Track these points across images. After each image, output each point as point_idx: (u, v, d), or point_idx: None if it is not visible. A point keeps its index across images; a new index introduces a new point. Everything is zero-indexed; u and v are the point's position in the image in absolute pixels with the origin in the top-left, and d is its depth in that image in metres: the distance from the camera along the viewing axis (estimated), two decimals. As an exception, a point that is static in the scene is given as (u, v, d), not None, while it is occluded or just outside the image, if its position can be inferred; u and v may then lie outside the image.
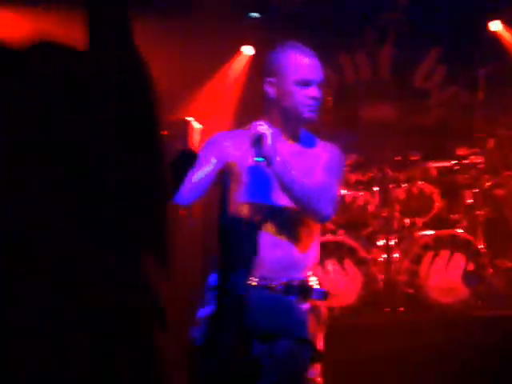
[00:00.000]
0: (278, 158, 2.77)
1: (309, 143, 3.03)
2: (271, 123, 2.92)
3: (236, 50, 6.76)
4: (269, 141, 2.74)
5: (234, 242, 2.92)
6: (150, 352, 1.37)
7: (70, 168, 1.39)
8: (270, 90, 2.94)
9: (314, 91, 2.87)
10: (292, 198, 2.81)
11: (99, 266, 1.41)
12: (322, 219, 2.93)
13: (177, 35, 6.10)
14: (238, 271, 2.94)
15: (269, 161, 2.75)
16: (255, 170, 2.90)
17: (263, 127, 2.78)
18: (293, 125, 2.95)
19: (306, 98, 2.87)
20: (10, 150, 1.41)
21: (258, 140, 2.74)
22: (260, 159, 2.73)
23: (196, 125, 5.65)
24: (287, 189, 2.79)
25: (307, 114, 2.88)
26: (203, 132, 5.96)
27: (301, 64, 2.89)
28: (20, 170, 1.42)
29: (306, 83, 2.88)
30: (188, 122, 5.60)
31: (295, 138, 3.01)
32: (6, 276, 1.37)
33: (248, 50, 6.75)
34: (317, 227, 3.04)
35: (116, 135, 1.35)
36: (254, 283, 2.93)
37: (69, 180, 1.42)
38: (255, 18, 6.61)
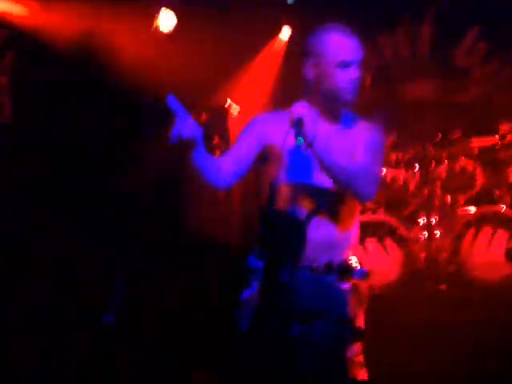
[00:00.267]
0: (318, 140, 2.75)
1: (349, 123, 3.02)
2: (311, 105, 2.89)
3: (274, 35, 6.76)
4: (309, 123, 2.73)
5: (276, 223, 2.94)
6: (150, 350, 1.41)
7: (70, 167, 1.43)
8: (310, 72, 2.93)
9: (354, 72, 2.85)
10: (333, 178, 2.82)
11: (99, 266, 1.46)
12: (364, 199, 2.93)
13: (215, 21, 6.12)
14: (281, 254, 2.97)
15: (309, 143, 2.73)
16: (296, 152, 2.90)
17: (303, 109, 2.76)
18: (333, 106, 2.93)
19: (346, 79, 2.85)
20: (9, 150, 1.46)
21: (298, 122, 2.72)
22: (300, 141, 2.72)
23: (234, 109, 5.69)
24: (328, 170, 2.79)
25: (347, 96, 2.86)
26: (242, 115, 6.00)
27: (341, 45, 2.86)
28: (20, 171, 1.47)
29: (346, 64, 2.85)
30: (227, 108, 5.64)
31: (335, 118, 3.00)
32: (7, 275, 1.42)
33: (285, 34, 6.74)
34: (357, 207, 3.04)
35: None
36: (294, 264, 2.95)
37: (69, 179, 1.46)
38: (292, 2, 6.59)
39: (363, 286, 2.94)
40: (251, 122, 3.09)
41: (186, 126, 2.66)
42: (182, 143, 2.69)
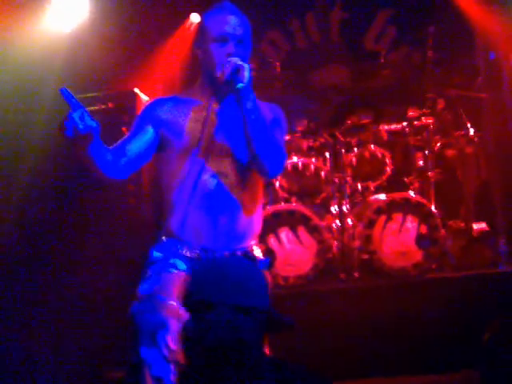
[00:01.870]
0: (251, 95, 2.76)
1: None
2: (204, 87, 2.93)
3: (183, 19, 6.64)
4: (247, 72, 2.74)
5: (176, 210, 2.88)
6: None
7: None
8: (197, 51, 2.96)
9: (230, 48, 2.86)
10: (254, 140, 2.78)
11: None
12: (274, 171, 2.89)
13: (124, 6, 5.96)
14: (180, 242, 2.90)
15: (246, 91, 2.73)
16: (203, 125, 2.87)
17: (240, 61, 2.78)
18: (221, 87, 2.89)
19: (221, 54, 2.86)
20: None
21: (237, 70, 2.74)
22: (241, 85, 2.72)
23: (143, 97, 5.55)
24: (253, 128, 2.77)
25: (221, 70, 2.82)
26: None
27: (217, 21, 2.89)
28: None
29: (221, 39, 2.87)
30: (135, 94, 5.49)
31: (232, 102, 2.96)
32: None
33: (195, 18, 6.63)
34: (260, 195, 3.02)
35: None
36: (195, 255, 2.89)
37: None
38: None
39: (267, 275, 2.90)
40: (146, 107, 3.00)
41: (82, 120, 2.54)
42: (78, 137, 2.57)
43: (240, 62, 2.77)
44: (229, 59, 2.79)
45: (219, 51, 2.87)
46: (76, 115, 2.53)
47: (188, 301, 1.80)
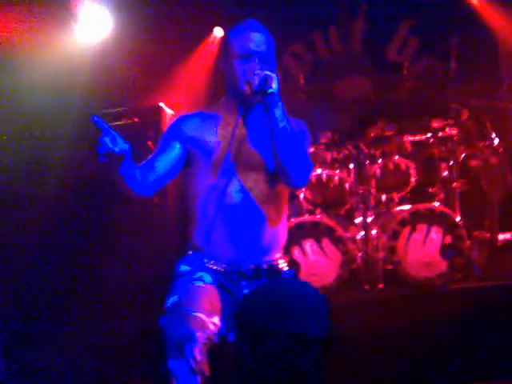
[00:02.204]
0: (280, 104, 2.82)
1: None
2: (229, 102, 2.99)
3: (207, 34, 6.71)
4: (275, 81, 2.81)
5: (201, 224, 2.93)
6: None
7: None
8: (221, 65, 3.03)
9: (254, 64, 2.91)
10: (282, 149, 2.82)
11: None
12: (301, 181, 2.93)
13: (148, 20, 6.04)
14: (206, 255, 2.95)
15: (275, 99, 2.79)
16: (222, 149, 2.91)
17: (268, 72, 2.84)
18: (243, 100, 2.95)
19: (245, 71, 2.91)
20: None
21: (265, 80, 2.81)
22: (271, 90, 2.78)
23: (168, 111, 5.61)
24: (281, 137, 2.81)
25: (245, 87, 2.91)
26: (176, 117, 5.93)
27: (243, 38, 2.95)
28: None
29: (246, 56, 2.92)
30: (160, 109, 5.56)
31: (257, 115, 3.01)
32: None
33: (219, 32, 6.70)
34: (285, 208, 3.06)
35: None
36: (221, 269, 2.94)
37: None
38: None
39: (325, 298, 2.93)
40: (173, 123, 3.06)
41: (115, 143, 2.61)
42: (112, 160, 2.64)
43: (268, 72, 2.83)
44: (256, 71, 2.86)
45: (243, 68, 2.92)
46: (108, 139, 2.60)
47: (241, 324, 1.82)
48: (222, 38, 3.06)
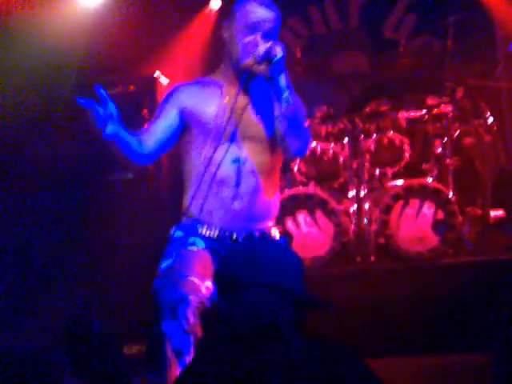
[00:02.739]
0: (284, 73, 2.86)
1: (267, 92, 3.06)
2: (227, 73, 3.00)
3: (204, 5, 6.68)
4: (280, 48, 2.84)
5: (195, 194, 2.95)
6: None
7: None
8: (224, 34, 3.02)
9: (257, 37, 2.92)
10: (285, 117, 2.86)
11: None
12: (301, 150, 2.98)
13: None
14: (199, 222, 2.97)
15: (280, 67, 2.83)
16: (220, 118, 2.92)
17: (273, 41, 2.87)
18: (241, 70, 2.96)
19: (248, 42, 2.92)
20: None
21: (271, 49, 2.83)
22: (279, 56, 2.81)
23: (163, 80, 5.60)
24: (286, 105, 2.85)
25: (244, 59, 2.91)
26: (171, 86, 5.91)
27: (249, 10, 2.95)
28: None
29: (250, 29, 2.92)
30: (156, 78, 5.55)
31: (255, 87, 3.02)
32: None
33: (215, 5, 6.68)
34: (278, 179, 3.08)
35: None
36: (214, 235, 2.96)
37: None
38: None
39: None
40: (170, 91, 3.07)
41: (109, 114, 2.63)
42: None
43: (274, 42, 2.87)
44: (260, 42, 2.89)
45: (247, 39, 2.93)
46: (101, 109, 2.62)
47: (220, 282, 1.87)
48: (227, 7, 3.07)
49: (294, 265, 1.95)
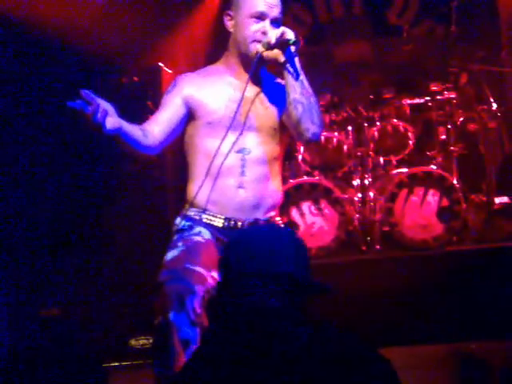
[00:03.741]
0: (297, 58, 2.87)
1: (271, 83, 3.07)
2: (232, 62, 3.01)
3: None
4: (292, 34, 2.84)
5: (200, 184, 2.96)
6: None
7: None
8: (228, 23, 3.03)
9: (265, 26, 2.92)
10: (300, 101, 2.88)
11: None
12: (316, 134, 2.98)
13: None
14: (204, 212, 2.99)
15: (294, 53, 2.84)
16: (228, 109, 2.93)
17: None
18: (248, 60, 2.96)
19: (255, 31, 2.92)
20: None
21: (283, 33, 2.83)
22: (293, 41, 2.82)
23: (167, 70, 5.59)
24: (301, 89, 2.87)
25: (254, 48, 2.93)
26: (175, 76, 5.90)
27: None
28: None
29: (258, 17, 2.93)
30: (160, 68, 5.54)
31: (260, 78, 3.03)
32: None
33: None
34: (280, 169, 3.10)
35: None
36: (219, 224, 2.98)
37: None
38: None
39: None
40: (175, 81, 3.07)
41: (104, 113, 2.63)
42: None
43: (284, 27, 2.87)
44: (268, 31, 2.89)
45: (255, 28, 2.94)
46: (97, 110, 2.62)
47: (224, 270, 1.88)
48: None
49: (300, 250, 1.97)
